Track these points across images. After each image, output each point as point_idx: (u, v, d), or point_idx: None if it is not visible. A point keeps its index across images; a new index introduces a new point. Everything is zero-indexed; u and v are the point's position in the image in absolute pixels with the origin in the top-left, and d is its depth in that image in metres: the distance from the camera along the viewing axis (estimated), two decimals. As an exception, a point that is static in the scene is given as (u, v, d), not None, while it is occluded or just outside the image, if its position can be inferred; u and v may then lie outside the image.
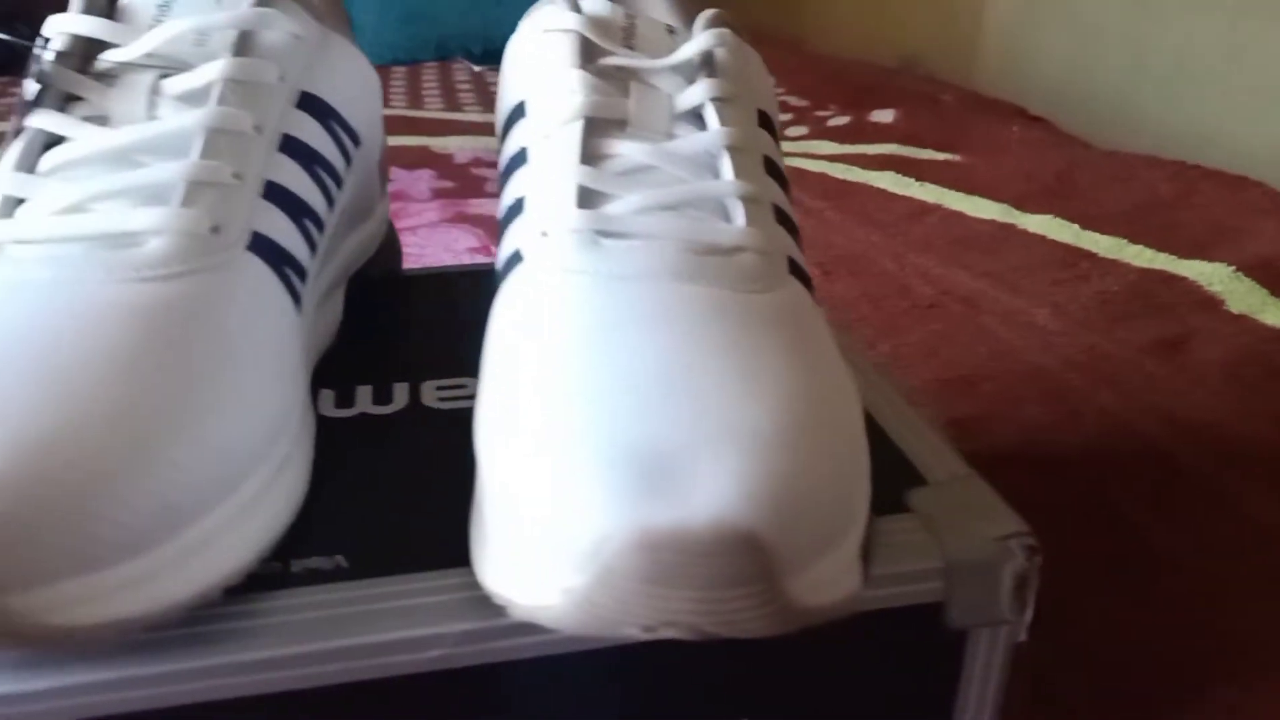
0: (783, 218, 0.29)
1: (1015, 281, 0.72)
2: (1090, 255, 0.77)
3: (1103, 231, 0.81)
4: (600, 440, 0.20)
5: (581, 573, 0.19)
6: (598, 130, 0.28)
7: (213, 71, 0.28)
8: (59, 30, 0.29)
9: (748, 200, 0.27)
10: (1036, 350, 0.62)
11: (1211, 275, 0.72)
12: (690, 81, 0.30)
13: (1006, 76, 1.43)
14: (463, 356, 0.36)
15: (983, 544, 0.26)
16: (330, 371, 0.34)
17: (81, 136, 0.27)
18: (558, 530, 0.19)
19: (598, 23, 0.30)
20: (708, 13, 0.32)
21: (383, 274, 0.42)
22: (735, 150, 0.28)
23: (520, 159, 0.29)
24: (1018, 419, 0.55)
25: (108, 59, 0.28)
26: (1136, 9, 1.21)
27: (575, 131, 0.28)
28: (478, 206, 0.87)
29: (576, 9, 0.30)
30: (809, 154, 1.03)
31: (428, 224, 0.83)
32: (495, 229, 0.80)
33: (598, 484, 0.19)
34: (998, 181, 0.92)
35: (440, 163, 1.01)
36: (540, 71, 0.30)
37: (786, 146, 1.07)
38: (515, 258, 0.26)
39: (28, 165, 0.26)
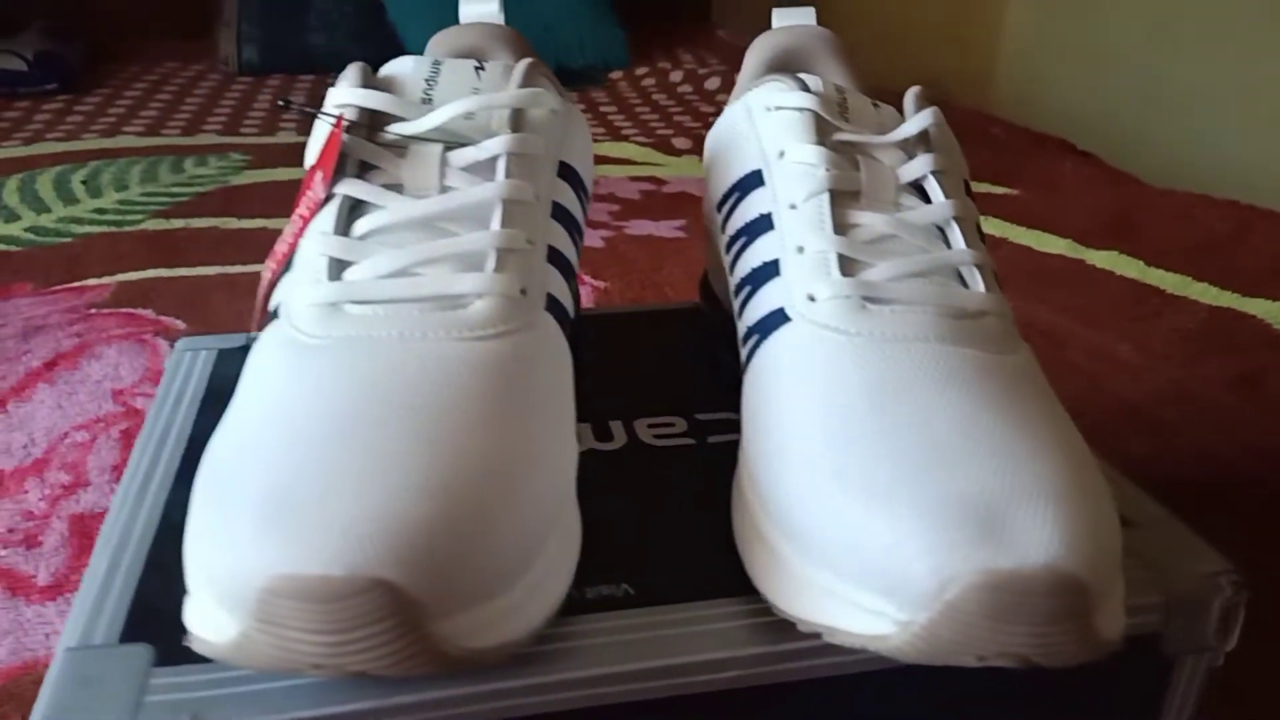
0: (998, 281, 0.32)
1: (1094, 316, 0.75)
2: (1159, 292, 0.80)
3: (1167, 268, 0.84)
4: (930, 492, 0.23)
5: (924, 609, 0.22)
6: (837, 201, 0.31)
7: (496, 146, 0.31)
8: (345, 103, 0.32)
9: (980, 267, 0.30)
10: (1125, 385, 0.66)
11: (1277, 313, 0.76)
12: (909, 155, 0.33)
13: (1021, 104, 1.47)
14: (666, 394, 0.39)
15: (1196, 580, 0.29)
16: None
17: (391, 205, 0.30)
18: (897, 571, 0.22)
19: (825, 100, 0.33)
20: (916, 90, 0.35)
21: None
22: (960, 220, 0.31)
23: (764, 224, 0.32)
24: (1121, 452, 0.58)
25: (396, 131, 0.31)
26: (1150, 41, 1.24)
27: (824, 204, 0.31)
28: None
29: (805, 88, 0.33)
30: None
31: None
32: (589, 256, 0.83)
33: (937, 532, 0.22)
34: (1058, 216, 0.95)
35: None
36: (776, 144, 0.33)
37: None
38: (779, 316, 0.29)
39: (343, 229, 0.29)
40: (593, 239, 0.90)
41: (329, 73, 1.55)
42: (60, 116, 1.27)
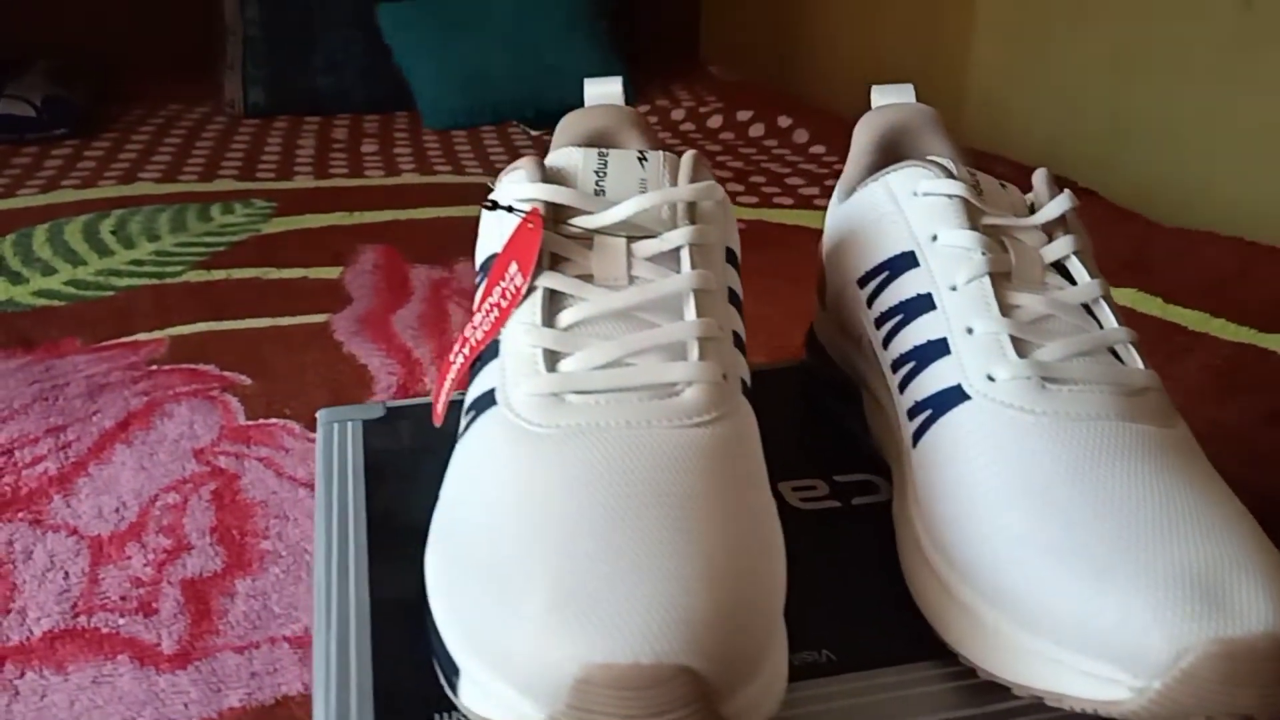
0: (1138, 353, 0.34)
1: (1126, 355, 0.79)
2: (1181, 329, 0.84)
3: (1184, 305, 0.88)
4: (1154, 566, 0.25)
5: (1159, 676, 0.24)
6: (994, 282, 0.34)
7: (679, 238, 0.33)
8: (532, 198, 0.34)
9: (1133, 343, 0.33)
10: (1169, 423, 0.69)
11: (1298, 349, 0.79)
12: (1049, 236, 0.36)
13: (990, 138, 1.52)
14: (800, 456, 0.41)
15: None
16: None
17: (592, 298, 0.31)
18: (1130, 642, 0.25)
19: (970, 186, 0.36)
20: (1045, 172, 0.38)
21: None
22: (1106, 298, 0.34)
23: (924, 304, 0.34)
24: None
25: (581, 225, 0.33)
26: (1115, 73, 1.30)
27: (985, 286, 0.33)
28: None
29: (950, 174, 0.36)
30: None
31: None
32: None
33: (1169, 604, 0.24)
34: (1073, 254, 0.99)
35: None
36: (927, 228, 0.35)
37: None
38: (956, 393, 0.32)
39: (549, 321, 0.31)
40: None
41: (336, 114, 1.56)
42: (71, 163, 1.27)
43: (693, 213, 0.34)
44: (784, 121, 1.48)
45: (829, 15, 1.84)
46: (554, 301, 0.32)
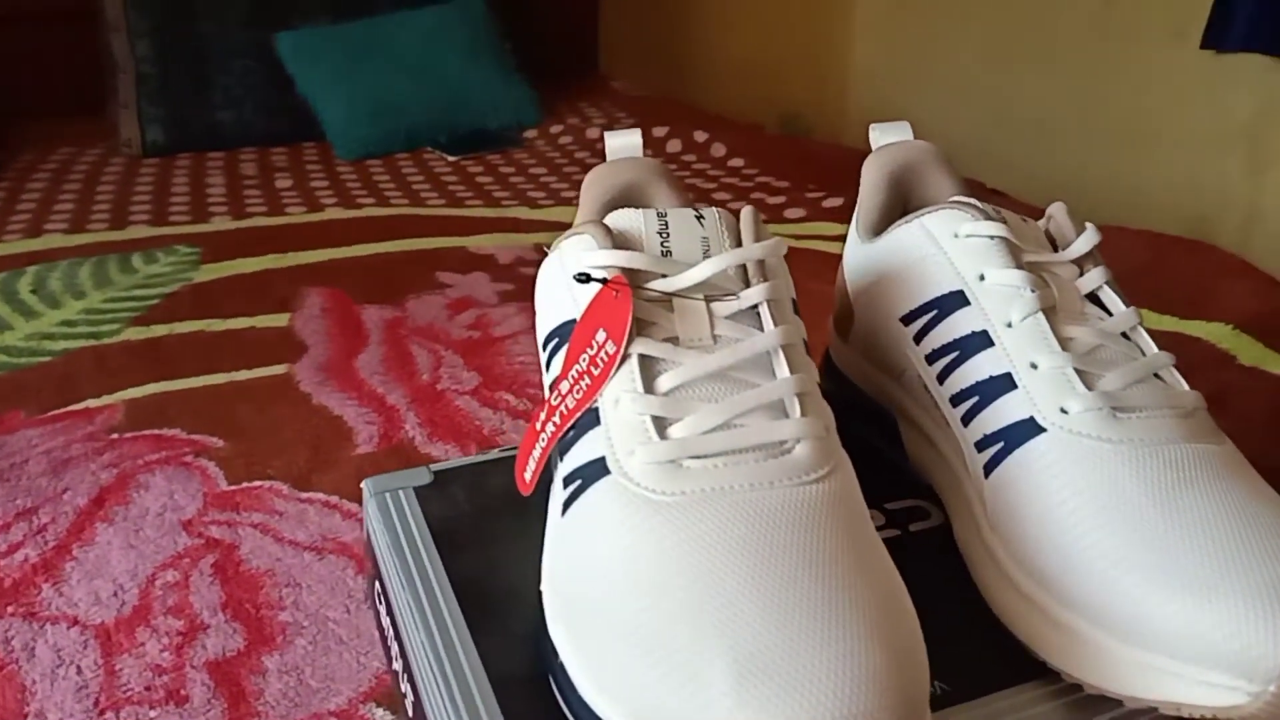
0: (1169, 374, 0.37)
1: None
2: (1111, 321, 0.90)
3: (1108, 297, 0.94)
4: (1255, 579, 0.28)
5: (1276, 680, 0.27)
6: (1046, 318, 0.36)
7: (757, 295, 0.34)
8: (608, 264, 0.34)
9: (1175, 367, 0.35)
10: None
11: (1218, 334, 0.86)
12: (1080, 269, 0.38)
13: None
14: (866, 489, 0.43)
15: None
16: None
17: (686, 361, 0.32)
18: (1243, 651, 0.27)
19: (1009, 226, 0.38)
20: (1062, 206, 0.40)
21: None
22: (1141, 324, 0.37)
23: (981, 341, 0.36)
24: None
25: (659, 288, 0.34)
26: (995, 67, 1.38)
27: (1041, 322, 0.35)
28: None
29: (989, 216, 0.38)
30: (819, 235, 1.14)
31: (526, 330, 0.87)
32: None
33: (1276, 613, 0.27)
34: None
35: (488, 264, 1.05)
36: (974, 268, 0.37)
37: (791, 229, 1.17)
38: (1030, 426, 0.34)
39: (649, 387, 0.32)
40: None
41: (240, 149, 1.51)
42: (-36, 217, 1.19)
43: (763, 269, 0.35)
44: (700, 136, 1.50)
45: (718, 23, 1.88)
46: (648, 367, 0.33)
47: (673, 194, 0.42)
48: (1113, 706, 0.30)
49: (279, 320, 0.91)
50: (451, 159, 1.48)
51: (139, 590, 0.55)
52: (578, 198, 1.30)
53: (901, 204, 0.47)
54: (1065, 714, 0.31)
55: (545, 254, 0.34)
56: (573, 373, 0.34)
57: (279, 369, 0.81)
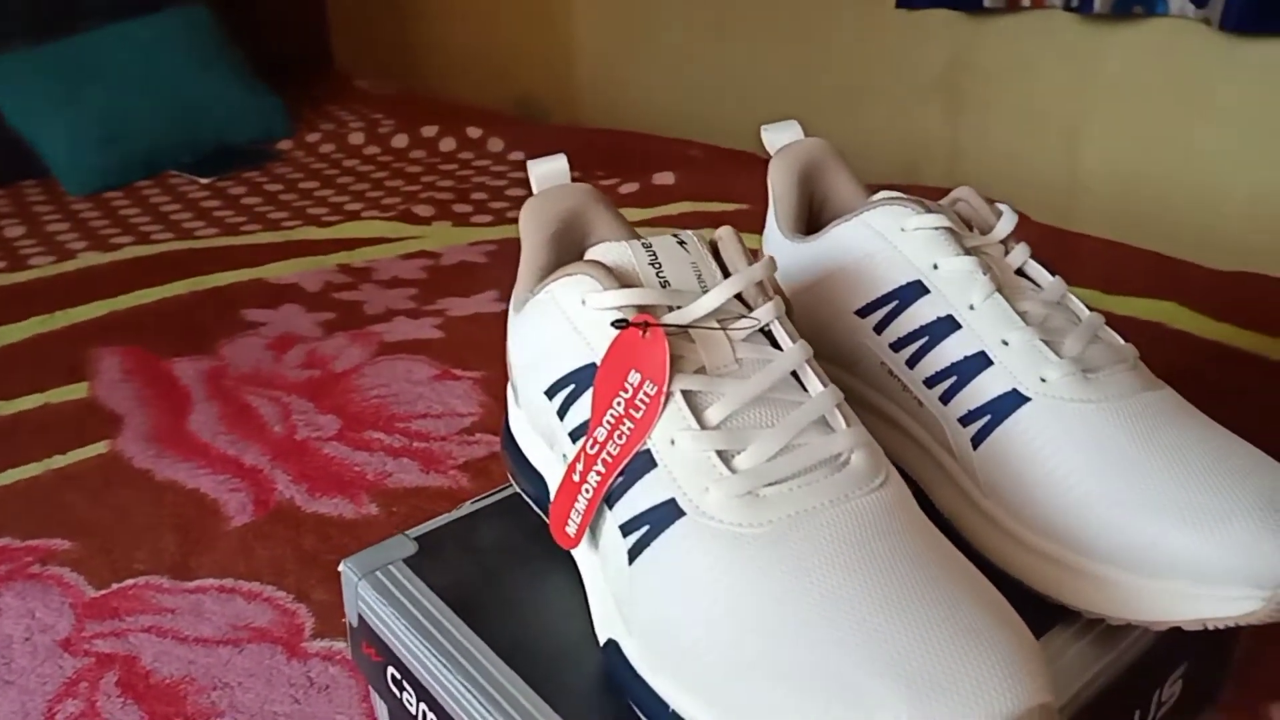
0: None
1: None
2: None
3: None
4: (1248, 500, 0.32)
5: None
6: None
7: (766, 315, 0.35)
8: (624, 304, 0.34)
9: (1107, 325, 0.40)
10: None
11: (1145, 310, 0.91)
12: (1006, 249, 0.42)
13: (606, 109, 1.65)
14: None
15: None
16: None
17: (726, 391, 0.33)
18: (1256, 563, 0.32)
19: (948, 216, 0.41)
20: (971, 189, 0.44)
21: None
22: (1071, 291, 0.41)
23: (948, 325, 0.39)
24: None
25: (674, 321, 0.34)
26: (712, 38, 1.48)
27: (1001, 302, 0.39)
28: (391, 332, 0.88)
29: (929, 209, 0.41)
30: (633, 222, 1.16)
31: (369, 361, 0.83)
32: (439, 348, 0.82)
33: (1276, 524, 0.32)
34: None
35: (295, 294, 0.98)
36: (926, 258, 0.40)
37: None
38: (1014, 397, 0.37)
39: (699, 422, 0.32)
40: (424, 329, 0.89)
41: (-56, 197, 1.30)
42: None
43: (763, 288, 0.36)
44: (474, 132, 1.47)
45: (445, 10, 1.86)
46: (692, 402, 0.33)
47: (613, 219, 0.42)
48: (1135, 631, 0.35)
49: (76, 392, 0.80)
50: (204, 181, 1.36)
51: (37, 733, 0.48)
52: (363, 210, 1.24)
53: (808, 200, 0.49)
54: (1095, 647, 0.35)
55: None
56: (608, 419, 0.33)
57: (99, 447, 0.72)
